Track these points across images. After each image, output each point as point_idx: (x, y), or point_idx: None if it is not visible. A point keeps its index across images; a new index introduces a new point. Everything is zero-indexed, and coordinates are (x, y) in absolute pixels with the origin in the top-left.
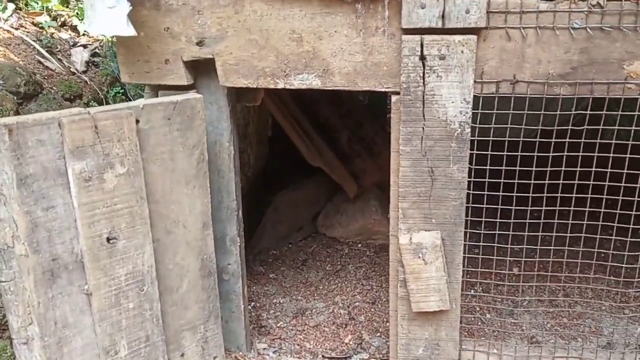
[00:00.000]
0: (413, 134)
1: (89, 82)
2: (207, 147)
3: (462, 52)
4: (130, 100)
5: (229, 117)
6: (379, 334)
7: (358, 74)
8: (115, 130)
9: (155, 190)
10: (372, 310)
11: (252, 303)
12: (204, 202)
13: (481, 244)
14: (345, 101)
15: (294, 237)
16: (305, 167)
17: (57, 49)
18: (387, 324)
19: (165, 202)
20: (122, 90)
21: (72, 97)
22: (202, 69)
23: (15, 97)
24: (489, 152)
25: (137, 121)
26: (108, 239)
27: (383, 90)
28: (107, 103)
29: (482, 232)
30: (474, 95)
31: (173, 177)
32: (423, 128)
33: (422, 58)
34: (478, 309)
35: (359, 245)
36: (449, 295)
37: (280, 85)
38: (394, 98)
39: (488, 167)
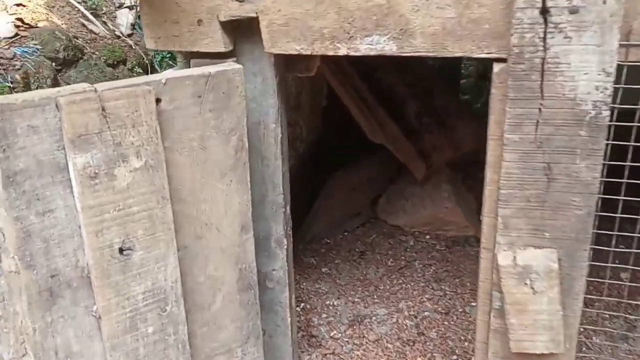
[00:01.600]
0: (525, 117)
1: (133, 47)
2: (248, 131)
3: (604, 2)
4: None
5: (277, 91)
6: (455, 357)
7: (448, 34)
8: (129, 113)
9: (182, 187)
10: (446, 323)
11: (302, 304)
12: (243, 200)
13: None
14: (414, 66)
15: (350, 223)
16: (364, 143)
17: (102, 11)
18: (465, 344)
19: (195, 201)
20: (170, 55)
21: (115, 63)
22: (243, 32)
23: (53, 64)
24: (632, 143)
25: (158, 100)
26: (121, 250)
27: (482, 56)
28: (153, 70)
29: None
30: (617, 64)
31: (204, 169)
32: (540, 109)
33: (544, 11)
34: (581, 330)
35: (427, 237)
36: (563, 334)
37: (343, 51)
38: (497, 67)
39: (629, 163)
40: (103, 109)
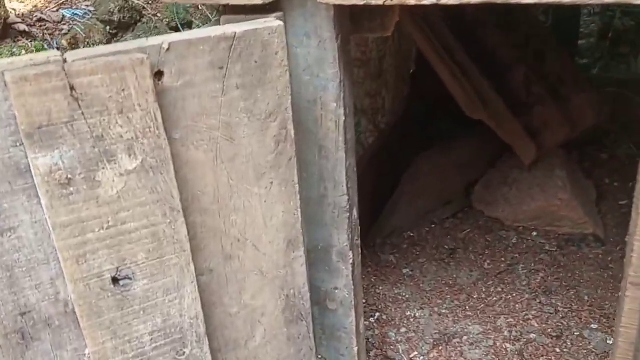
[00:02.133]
0: None
1: (200, 7)
2: (300, 111)
3: None
4: None
5: (338, 58)
6: None
7: None
8: (113, 93)
9: (202, 192)
10: (557, 350)
11: (376, 314)
12: (289, 207)
13: None
14: (521, 22)
15: (438, 214)
16: (459, 118)
17: None
18: None
19: (221, 211)
20: (217, 18)
21: (179, 26)
22: None
23: (107, 27)
24: None
25: (159, 74)
26: (115, 280)
27: None
28: None
29: None
30: None
31: (233, 169)
32: None
33: None
34: None
35: (534, 233)
36: None
37: (430, 0)
38: None
39: None
40: (72, 88)
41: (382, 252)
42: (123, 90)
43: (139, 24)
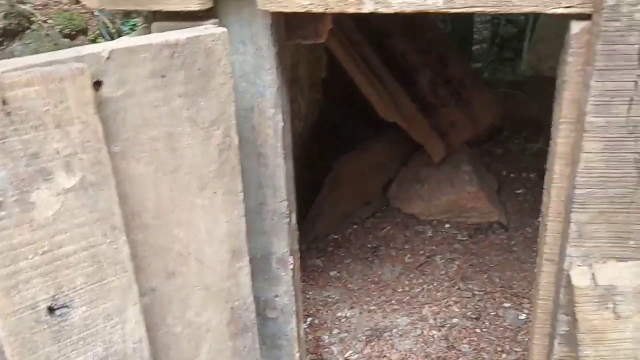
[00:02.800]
0: (616, 93)
1: (96, 13)
2: (239, 119)
3: None
4: None
5: (276, 65)
6: None
7: None
8: (50, 107)
9: (143, 208)
10: (478, 331)
11: (309, 319)
12: (233, 217)
13: None
14: (425, 30)
15: (359, 214)
16: (371, 121)
17: None
18: (503, 356)
19: (163, 226)
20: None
21: (72, 33)
22: None
23: None
24: None
25: (99, 84)
26: (51, 309)
27: (559, 11)
28: None
29: None
30: None
31: (175, 180)
32: (636, 83)
33: None
34: None
35: (447, 225)
36: None
37: (369, 8)
38: (576, 27)
39: None
40: (4, 102)
41: (309, 257)
42: (61, 102)
43: (28, 31)
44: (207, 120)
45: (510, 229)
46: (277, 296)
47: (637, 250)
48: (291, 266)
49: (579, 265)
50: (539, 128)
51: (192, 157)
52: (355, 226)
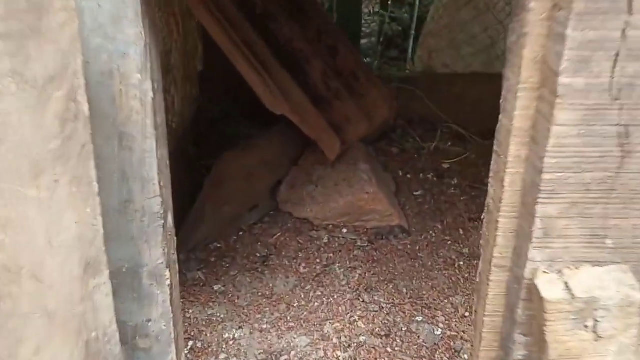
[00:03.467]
0: (597, 46)
1: None
2: (92, 87)
3: None
4: None
5: (142, 14)
6: None
7: None
8: None
9: None
10: (390, 350)
11: (190, 342)
12: (86, 216)
13: None
14: (313, 17)
15: (245, 220)
16: (256, 118)
17: None
18: None
19: None
20: None
21: None
22: None
23: None
24: None
25: None
26: None
27: None
28: None
29: None
30: None
31: None
32: (624, 32)
33: None
34: None
35: (344, 231)
36: None
37: None
38: None
39: None
40: None
41: (188, 270)
42: None
43: None
44: (42, 77)
45: (412, 234)
46: (149, 321)
47: (615, 251)
48: (168, 282)
49: (545, 272)
50: (434, 126)
51: (19, 129)
52: (241, 233)
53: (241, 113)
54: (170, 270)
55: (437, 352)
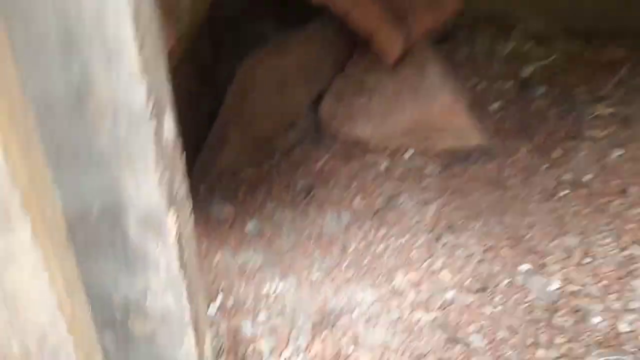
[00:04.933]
0: None
1: None
2: None
3: None
4: None
5: None
6: None
7: None
8: None
9: None
10: (490, 311)
11: (219, 298)
12: None
13: None
14: None
15: (282, 141)
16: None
17: None
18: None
19: None
20: None
21: None
22: None
23: None
24: None
25: None
26: None
27: None
28: None
29: None
30: None
31: None
32: None
33: None
34: None
35: (409, 154)
36: None
37: None
38: None
39: None
40: None
41: (211, 205)
42: None
43: None
44: None
45: (496, 157)
46: (147, 292)
47: None
48: (173, 231)
49: None
50: (509, 23)
51: None
52: (276, 158)
53: (266, 10)
54: (176, 213)
55: (557, 315)
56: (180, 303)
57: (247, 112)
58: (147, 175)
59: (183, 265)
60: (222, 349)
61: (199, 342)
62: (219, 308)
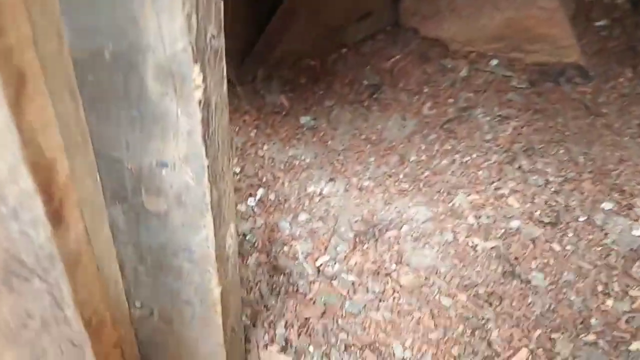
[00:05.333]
0: None
1: None
2: None
3: None
4: None
5: None
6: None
7: None
8: None
9: None
10: (558, 248)
11: (259, 191)
12: None
13: None
14: None
15: (352, 33)
16: None
17: None
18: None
19: None
20: None
21: None
22: None
23: None
24: None
25: None
26: None
27: None
28: None
29: None
30: None
31: None
32: None
33: None
34: None
35: (494, 63)
36: None
37: None
38: None
39: None
40: None
41: (268, 91)
42: None
43: None
44: None
45: (593, 78)
46: (164, 165)
47: None
48: (198, 90)
49: None
50: None
51: None
52: (344, 50)
53: None
54: (203, 69)
55: (636, 264)
56: (200, 181)
57: None
58: (172, 16)
59: (208, 136)
60: (255, 245)
61: (219, 232)
62: (257, 202)
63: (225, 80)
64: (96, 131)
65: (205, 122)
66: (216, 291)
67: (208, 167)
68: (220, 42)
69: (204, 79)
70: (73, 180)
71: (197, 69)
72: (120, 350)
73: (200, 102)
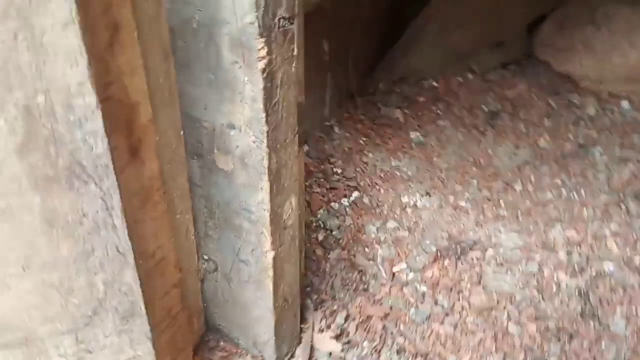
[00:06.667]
0: None
1: None
2: None
3: None
4: None
5: None
6: None
7: None
8: None
9: None
10: (637, 295)
11: (354, 194)
12: None
13: None
14: None
15: (481, 59)
16: None
17: None
18: None
19: None
20: None
21: None
22: None
23: None
24: None
25: None
26: None
27: None
28: None
29: None
30: None
31: None
32: None
33: None
34: None
35: (625, 104)
36: None
37: None
38: None
39: None
40: None
41: (385, 104)
42: None
43: None
44: None
45: None
46: (232, 127)
47: None
48: (262, 61)
49: None
50: None
51: None
52: (469, 75)
53: None
54: (268, 43)
55: None
56: (260, 146)
57: (449, 20)
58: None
59: (270, 105)
60: (339, 242)
61: (276, 198)
62: (351, 203)
63: (295, 61)
64: (184, 92)
65: (268, 92)
66: (269, 255)
67: (268, 132)
68: (292, 27)
69: (269, 52)
70: (156, 126)
71: (262, 41)
72: (180, 293)
73: (263, 71)
